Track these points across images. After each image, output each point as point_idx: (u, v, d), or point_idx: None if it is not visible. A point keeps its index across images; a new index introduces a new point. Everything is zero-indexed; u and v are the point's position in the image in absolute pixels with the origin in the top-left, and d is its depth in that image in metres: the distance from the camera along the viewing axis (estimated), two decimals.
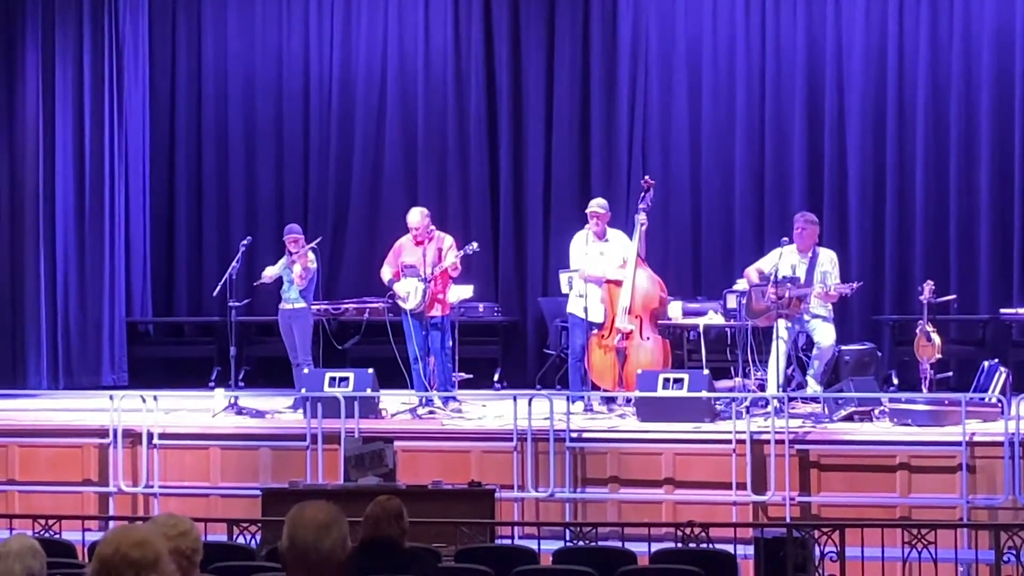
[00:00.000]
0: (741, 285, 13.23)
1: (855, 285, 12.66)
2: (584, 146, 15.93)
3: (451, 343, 13.28)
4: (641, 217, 12.83)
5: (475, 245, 13.17)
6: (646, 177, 13.34)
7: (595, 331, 12.91)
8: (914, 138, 15.12)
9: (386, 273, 13.31)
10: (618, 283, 12.82)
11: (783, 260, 12.52)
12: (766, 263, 12.78)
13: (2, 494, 12.30)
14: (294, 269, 13.33)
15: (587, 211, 13.10)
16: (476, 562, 7.78)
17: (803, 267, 12.62)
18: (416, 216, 13.28)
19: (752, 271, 12.85)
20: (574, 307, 13.08)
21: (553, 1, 15.97)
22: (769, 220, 15.13)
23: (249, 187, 16.57)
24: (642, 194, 13.00)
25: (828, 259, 12.79)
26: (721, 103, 15.61)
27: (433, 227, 13.29)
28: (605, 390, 12.89)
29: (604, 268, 12.91)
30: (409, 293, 13.03)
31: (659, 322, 13.28)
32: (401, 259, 13.20)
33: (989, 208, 14.89)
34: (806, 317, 12.57)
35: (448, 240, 13.25)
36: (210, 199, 16.66)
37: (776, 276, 12.39)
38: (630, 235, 12.95)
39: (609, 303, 12.87)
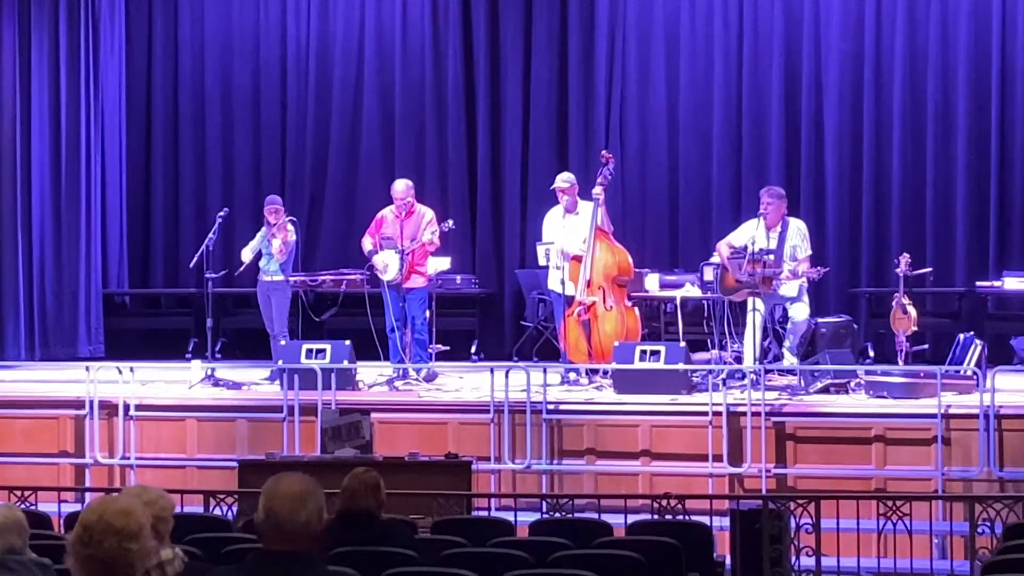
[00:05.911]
0: (718, 258, 13.21)
1: (822, 270, 12.65)
2: (562, 118, 15.90)
3: (428, 315, 13.25)
4: (597, 190, 12.80)
5: (451, 223, 13.19)
6: (604, 151, 13.34)
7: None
8: (891, 111, 15.13)
9: (367, 243, 13.28)
10: (580, 259, 12.80)
11: (753, 236, 12.47)
12: (737, 237, 12.76)
13: None
14: (273, 244, 13.30)
15: (553, 187, 13.09)
16: (452, 534, 7.78)
17: (773, 242, 12.58)
18: (401, 187, 13.26)
19: (723, 245, 12.82)
20: (553, 283, 13.09)
21: None
22: (746, 193, 15.10)
23: (226, 159, 16.52)
24: (600, 168, 12.98)
25: (797, 231, 12.72)
26: (699, 76, 15.60)
27: (413, 200, 13.28)
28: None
29: (571, 243, 12.88)
30: (387, 265, 13.02)
31: (633, 294, 13.27)
32: (382, 230, 13.19)
33: (965, 182, 14.92)
34: (781, 291, 12.57)
35: (429, 214, 13.20)
36: (187, 171, 16.60)
37: (753, 249, 12.37)
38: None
39: (574, 278, 12.84)
